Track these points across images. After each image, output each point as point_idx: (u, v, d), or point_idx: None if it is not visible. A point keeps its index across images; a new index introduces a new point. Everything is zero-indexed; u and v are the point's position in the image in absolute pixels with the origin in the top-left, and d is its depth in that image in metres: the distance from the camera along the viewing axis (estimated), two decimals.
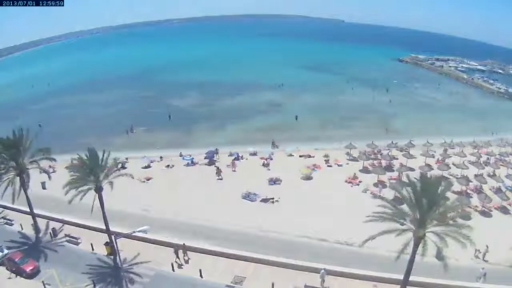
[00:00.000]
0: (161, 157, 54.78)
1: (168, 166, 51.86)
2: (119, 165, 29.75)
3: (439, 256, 20.76)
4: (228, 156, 54.36)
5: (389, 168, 49.92)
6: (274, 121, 73.54)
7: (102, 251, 30.49)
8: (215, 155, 53.69)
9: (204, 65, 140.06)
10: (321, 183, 44.95)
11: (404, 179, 39.28)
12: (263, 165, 51.42)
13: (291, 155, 55.57)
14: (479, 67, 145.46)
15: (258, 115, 77.20)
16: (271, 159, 53.34)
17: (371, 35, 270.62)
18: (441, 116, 78.16)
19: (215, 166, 49.23)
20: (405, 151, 53.70)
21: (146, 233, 26.70)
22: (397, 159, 52.30)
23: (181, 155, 54.84)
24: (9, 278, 27.51)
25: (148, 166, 51.51)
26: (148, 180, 47.00)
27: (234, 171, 49.55)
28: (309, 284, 26.20)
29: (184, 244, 29.96)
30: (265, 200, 40.60)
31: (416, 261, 22.18)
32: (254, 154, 55.75)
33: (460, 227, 20.57)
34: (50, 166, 39.67)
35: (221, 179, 46.70)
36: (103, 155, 28.84)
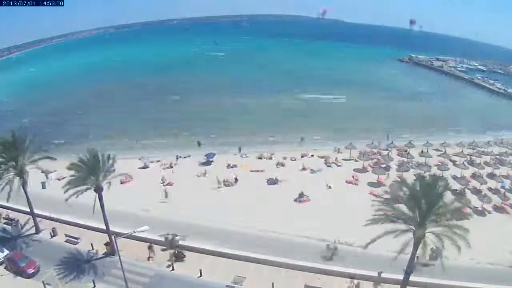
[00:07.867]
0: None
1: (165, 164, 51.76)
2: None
3: (437, 255, 20.77)
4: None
5: (389, 168, 49.98)
6: None
7: (102, 251, 30.53)
8: (214, 156, 53.67)
9: None
10: (320, 184, 44.94)
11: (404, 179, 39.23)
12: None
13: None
14: (479, 67, 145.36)
15: None
16: (271, 158, 53.43)
17: (371, 35, 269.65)
18: (440, 116, 78.31)
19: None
20: (405, 151, 53.74)
21: None
22: (394, 159, 52.31)
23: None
24: (2, 275, 27.38)
25: (146, 167, 51.25)
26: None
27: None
28: (309, 284, 26.25)
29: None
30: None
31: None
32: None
33: (458, 228, 20.59)
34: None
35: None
36: (103, 156, 28.83)
